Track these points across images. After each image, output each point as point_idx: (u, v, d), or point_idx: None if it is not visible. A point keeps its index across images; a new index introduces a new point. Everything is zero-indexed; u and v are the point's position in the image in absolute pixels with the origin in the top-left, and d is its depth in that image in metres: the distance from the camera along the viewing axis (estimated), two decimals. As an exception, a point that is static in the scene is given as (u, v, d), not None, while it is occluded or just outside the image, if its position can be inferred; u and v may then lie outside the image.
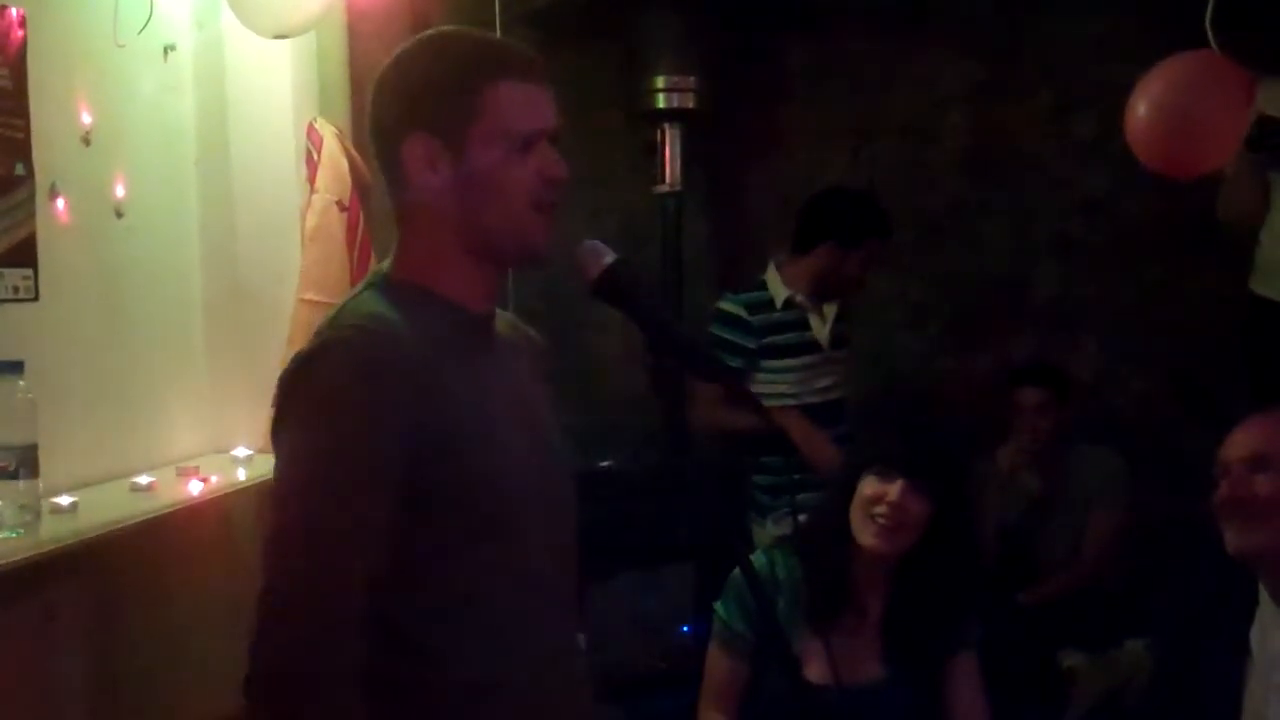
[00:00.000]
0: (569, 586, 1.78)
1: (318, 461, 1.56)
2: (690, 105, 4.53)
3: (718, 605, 2.85)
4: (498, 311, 1.83)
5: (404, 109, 1.70)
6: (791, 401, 4.02)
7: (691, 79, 4.52)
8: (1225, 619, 2.41)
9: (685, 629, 3.83)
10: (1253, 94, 3.27)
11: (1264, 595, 2.38)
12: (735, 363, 3.96)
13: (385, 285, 1.72)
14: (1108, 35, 4.67)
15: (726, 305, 4.11)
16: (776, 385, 4.04)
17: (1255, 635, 2.38)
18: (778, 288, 4.12)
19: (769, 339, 4.07)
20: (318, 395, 1.59)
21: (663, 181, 4.60)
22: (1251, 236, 3.68)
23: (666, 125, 4.56)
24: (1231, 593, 2.42)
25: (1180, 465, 4.07)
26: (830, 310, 4.18)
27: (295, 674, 1.51)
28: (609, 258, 1.73)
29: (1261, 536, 2.31)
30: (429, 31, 1.78)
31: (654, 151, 4.61)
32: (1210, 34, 3.02)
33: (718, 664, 2.83)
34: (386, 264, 1.76)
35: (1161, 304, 4.79)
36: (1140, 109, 3.11)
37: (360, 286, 1.75)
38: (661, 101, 4.52)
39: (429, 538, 1.62)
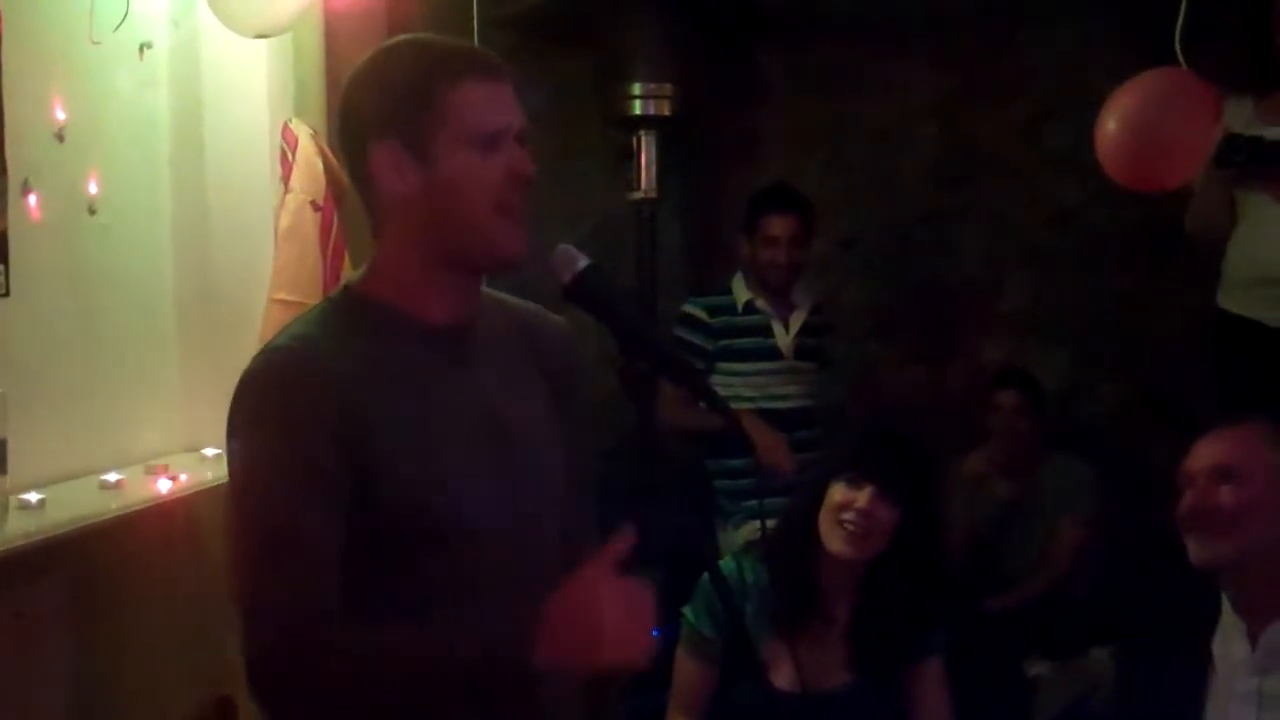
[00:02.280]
0: (543, 590, 1.72)
1: (255, 490, 1.62)
2: (666, 112, 4.55)
3: (686, 610, 2.86)
4: (513, 306, 1.85)
5: (368, 118, 1.70)
6: (748, 405, 4.05)
7: (667, 86, 4.54)
8: (1188, 628, 2.43)
9: (653, 633, 3.83)
10: (1221, 110, 3.31)
11: (1226, 605, 2.40)
12: (696, 362, 4.01)
13: (342, 299, 1.74)
14: (1080, 47, 4.71)
15: (689, 307, 4.21)
16: (734, 387, 4.08)
17: (1217, 644, 2.40)
18: (741, 292, 4.21)
19: (726, 342, 4.14)
20: (245, 414, 1.64)
21: (638, 188, 4.61)
22: (1219, 251, 3.71)
23: (642, 132, 4.58)
24: (1194, 602, 2.44)
25: (1147, 475, 4.12)
26: (797, 320, 4.22)
27: (281, 672, 1.57)
28: (582, 263, 1.73)
29: (1224, 547, 2.33)
30: (390, 40, 1.78)
31: (629, 158, 4.62)
32: (1179, 50, 3.05)
33: (685, 669, 2.84)
34: (356, 275, 1.76)
35: (1131, 315, 4.83)
36: (1110, 124, 3.14)
37: (323, 300, 1.79)
38: (637, 108, 4.54)
39: (367, 552, 1.63)
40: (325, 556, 1.59)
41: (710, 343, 4.15)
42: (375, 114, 1.69)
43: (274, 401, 1.63)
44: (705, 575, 2.75)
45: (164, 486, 2.75)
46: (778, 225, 4.16)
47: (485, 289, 1.83)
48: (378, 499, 1.62)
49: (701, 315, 4.18)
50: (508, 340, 1.82)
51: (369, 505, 1.62)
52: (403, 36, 1.79)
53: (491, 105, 1.68)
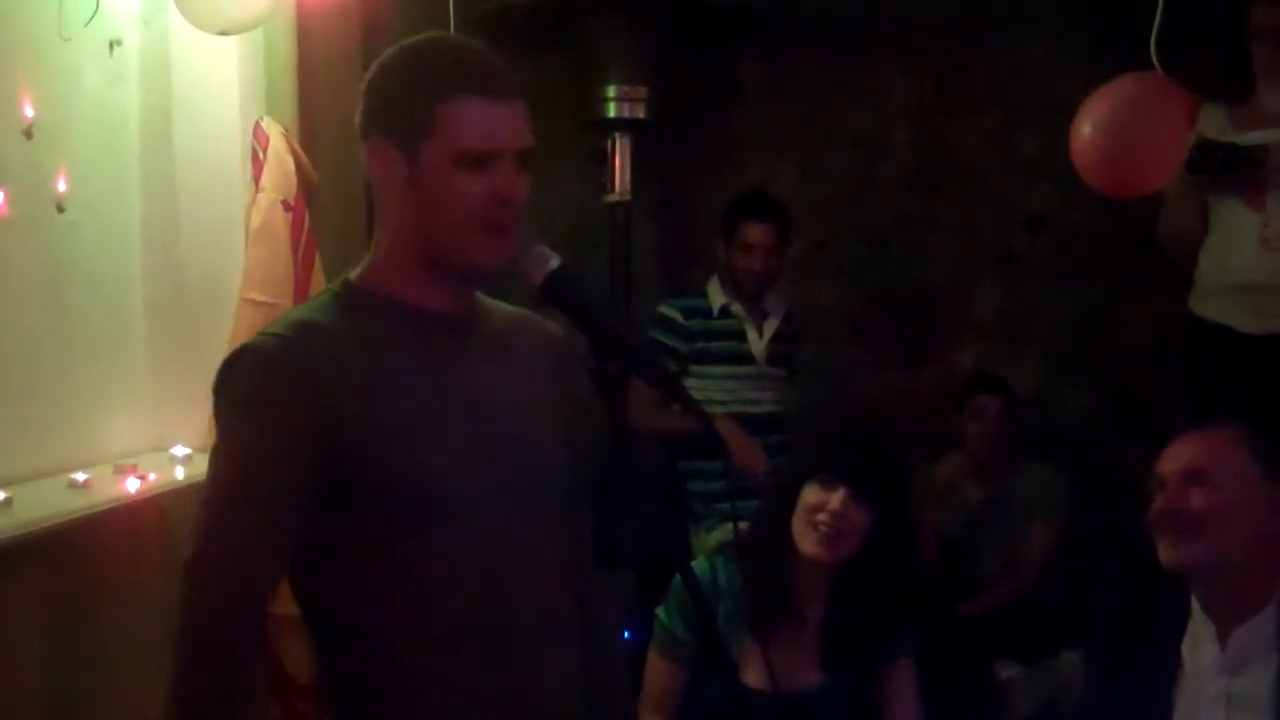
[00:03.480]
0: (537, 588, 1.78)
1: (227, 461, 1.68)
2: (641, 115, 4.54)
3: (659, 611, 2.86)
4: (510, 310, 1.88)
5: (368, 110, 1.75)
6: (720, 409, 4.08)
7: (642, 89, 4.54)
8: (1158, 631, 2.44)
9: (626, 634, 3.83)
10: (1194, 116, 3.32)
11: (1196, 607, 2.41)
12: (671, 365, 4.03)
13: (343, 290, 1.78)
14: (1053, 56, 4.73)
15: (664, 309, 4.23)
16: (707, 391, 4.10)
17: (1187, 647, 2.41)
18: (716, 296, 4.23)
19: (701, 344, 4.16)
20: (231, 398, 1.70)
21: (612, 190, 4.61)
22: (1191, 257, 3.73)
23: (617, 134, 4.57)
24: (1164, 605, 2.44)
25: (1118, 480, 4.14)
26: (770, 326, 4.25)
27: (192, 646, 1.65)
28: (554, 262, 1.75)
29: (1195, 549, 2.34)
30: (416, 37, 1.80)
31: (604, 160, 4.61)
32: (1154, 56, 3.06)
33: (657, 669, 2.84)
34: (356, 269, 1.81)
35: (1102, 321, 4.84)
36: (1085, 128, 3.14)
37: (323, 290, 1.84)
38: (612, 110, 4.53)
39: (354, 533, 1.69)
40: (271, 536, 1.67)
41: (685, 345, 4.17)
42: (375, 109, 1.74)
43: (256, 383, 1.68)
44: (679, 576, 2.75)
45: (133, 486, 2.73)
46: (755, 233, 4.17)
47: (483, 297, 1.86)
48: (366, 482, 1.67)
49: (677, 317, 4.21)
50: (506, 340, 1.85)
51: (358, 487, 1.67)
52: (429, 35, 1.82)
53: (483, 127, 1.69)
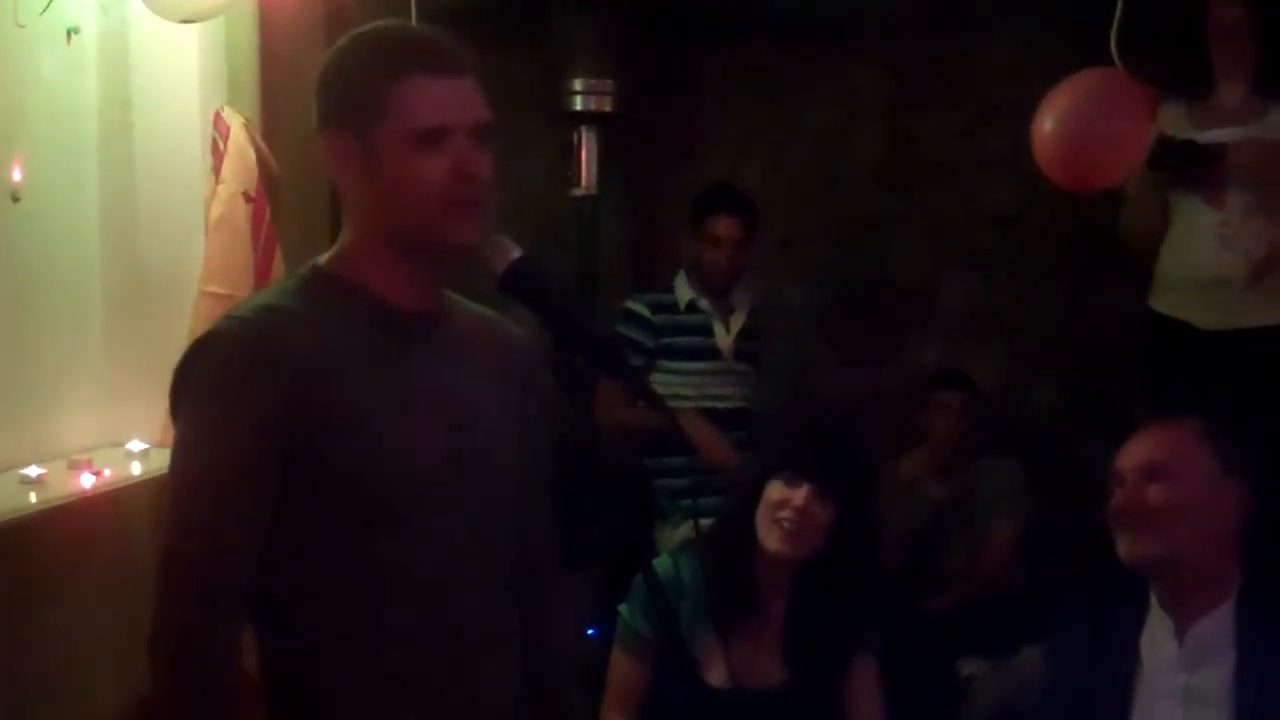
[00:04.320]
0: (488, 586, 1.78)
1: (196, 449, 1.65)
2: (607, 109, 4.53)
3: (622, 608, 2.85)
4: (477, 310, 1.86)
5: (323, 104, 1.73)
6: (687, 404, 4.08)
7: (609, 82, 4.52)
8: (1117, 626, 2.45)
9: (591, 632, 3.82)
10: (1154, 112, 3.33)
11: (1154, 603, 2.42)
12: (635, 361, 4.03)
13: (309, 276, 1.76)
14: (1019, 54, 4.74)
15: (632, 304, 4.23)
16: (673, 386, 4.10)
17: (1146, 642, 2.42)
18: (683, 291, 4.23)
19: (668, 339, 4.16)
20: (196, 385, 1.67)
21: (579, 184, 4.59)
22: (1152, 254, 3.74)
23: (583, 128, 4.56)
24: (1123, 600, 2.45)
25: (1080, 476, 4.15)
26: (737, 321, 4.25)
27: (176, 640, 1.62)
28: (515, 253, 1.74)
29: (1153, 545, 2.35)
30: (362, 27, 1.78)
31: (570, 154, 4.60)
32: (1115, 53, 3.07)
33: (621, 667, 2.83)
34: (325, 254, 1.79)
35: (1065, 317, 4.87)
36: (1046, 123, 3.16)
37: (287, 275, 1.81)
38: (579, 104, 4.52)
39: (313, 526, 1.67)
40: (247, 522, 1.64)
41: (651, 340, 4.17)
42: (328, 102, 1.73)
43: (223, 368, 1.66)
44: (641, 574, 2.75)
45: (87, 481, 2.70)
46: (722, 226, 4.18)
47: (453, 294, 1.85)
48: (328, 471, 1.65)
49: (644, 312, 4.21)
50: (473, 339, 1.83)
51: (319, 477, 1.65)
52: (375, 24, 1.80)
53: (434, 102, 1.67)
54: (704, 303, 4.23)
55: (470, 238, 1.71)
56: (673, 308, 4.22)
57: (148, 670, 1.63)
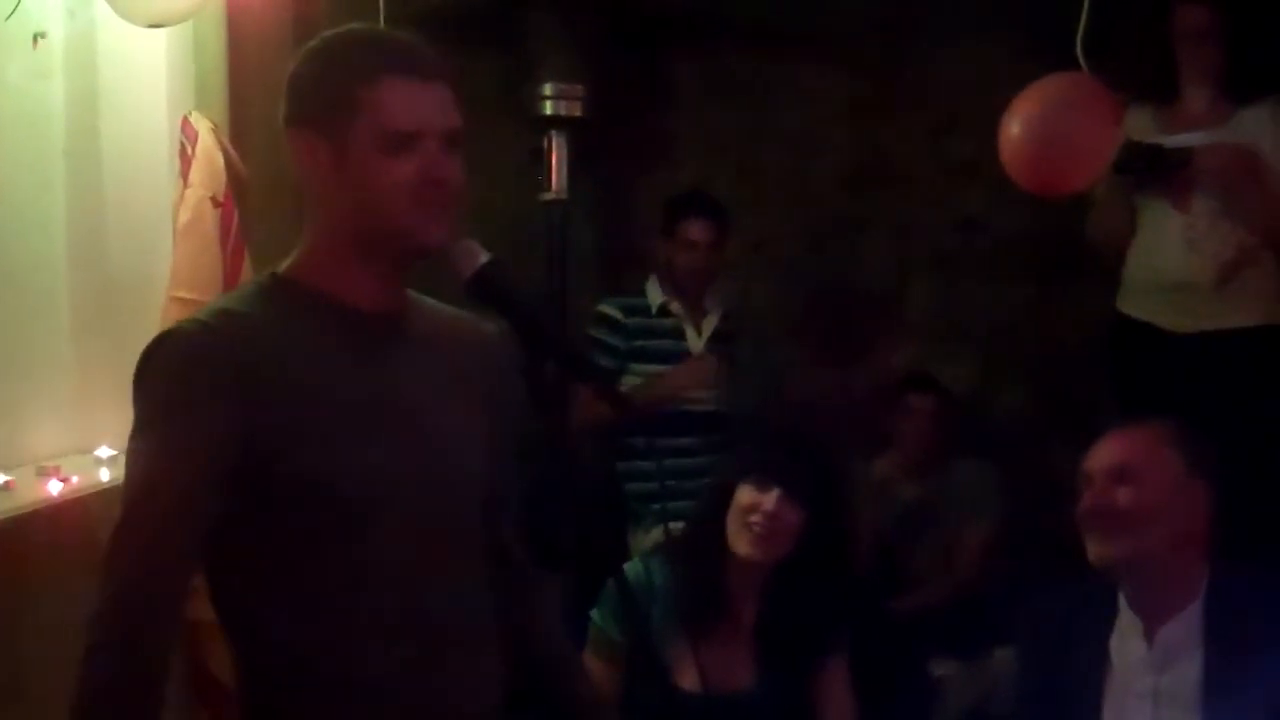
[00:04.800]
0: (458, 589, 1.78)
1: (145, 446, 1.66)
2: (577, 113, 4.52)
3: (593, 613, 2.85)
4: (444, 309, 1.87)
5: (292, 104, 1.73)
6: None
7: (579, 87, 4.52)
8: (1086, 628, 2.46)
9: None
10: (1121, 117, 3.35)
11: (1123, 604, 2.43)
12: (607, 363, 4.06)
13: (269, 282, 1.76)
14: (987, 59, 4.75)
15: (604, 307, 4.25)
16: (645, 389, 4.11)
17: (1115, 644, 2.43)
18: (655, 294, 4.25)
19: (640, 342, 4.18)
20: (148, 383, 1.68)
21: (549, 189, 4.58)
22: (1119, 257, 3.77)
23: (553, 132, 4.55)
24: (1093, 602, 2.47)
25: (1050, 478, 4.17)
26: (709, 324, 4.26)
27: (107, 635, 1.62)
28: (483, 257, 1.74)
29: (1121, 546, 2.37)
30: (336, 29, 1.79)
31: (540, 158, 4.59)
32: (1081, 58, 3.09)
33: (592, 671, 2.81)
34: (285, 261, 1.79)
35: (1034, 320, 4.89)
36: (1013, 128, 3.17)
37: (247, 282, 1.83)
38: (548, 108, 4.51)
39: (272, 532, 1.67)
40: (188, 521, 1.64)
41: (623, 342, 4.19)
42: (298, 99, 1.73)
43: (173, 370, 1.66)
44: (611, 578, 2.75)
45: (55, 488, 2.68)
46: (695, 229, 4.20)
47: (417, 294, 1.85)
48: (288, 476, 1.65)
49: (616, 315, 4.23)
50: (438, 341, 1.83)
51: (280, 482, 1.65)
52: (350, 26, 1.80)
53: (405, 106, 1.67)
54: (676, 306, 4.24)
55: (437, 241, 1.71)
56: (645, 311, 4.24)
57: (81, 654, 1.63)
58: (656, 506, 4.04)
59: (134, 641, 1.61)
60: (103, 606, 1.62)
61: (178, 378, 1.66)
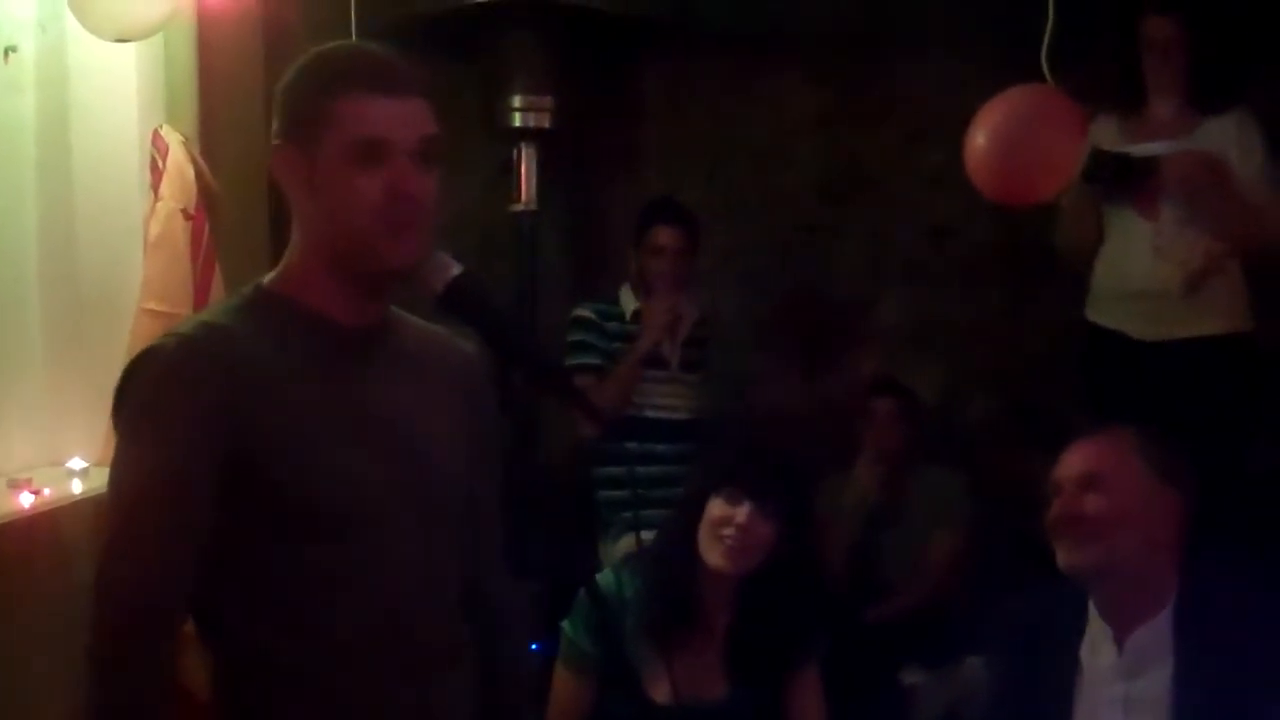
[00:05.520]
0: (440, 600, 1.79)
1: (133, 464, 1.66)
2: (546, 124, 4.53)
3: (565, 624, 2.85)
4: (423, 326, 1.87)
5: (276, 119, 1.76)
6: (632, 411, 4.11)
7: (548, 98, 4.52)
8: (1057, 635, 2.47)
9: (534, 647, 3.82)
10: (1086, 127, 3.38)
11: (1093, 611, 2.44)
12: (594, 361, 4.07)
13: (253, 295, 1.77)
14: (955, 68, 4.78)
15: (581, 311, 4.26)
16: None
17: (1085, 651, 2.44)
18: (629, 301, 4.27)
19: (617, 345, 4.17)
20: (133, 400, 1.68)
21: (518, 199, 4.59)
22: (1087, 266, 3.79)
23: (523, 144, 4.56)
24: (1063, 609, 2.48)
25: (1020, 486, 4.19)
26: (683, 331, 4.26)
27: (109, 653, 1.62)
28: (455, 269, 1.75)
29: (1091, 553, 2.38)
30: (322, 46, 1.80)
31: (510, 170, 4.60)
32: (1046, 68, 3.11)
33: (564, 683, 2.83)
34: (269, 274, 1.80)
35: (1004, 329, 4.91)
36: (978, 139, 3.19)
37: (231, 294, 1.84)
38: (518, 120, 4.51)
39: (253, 542, 1.68)
40: (182, 539, 1.64)
41: (606, 343, 4.20)
42: (279, 117, 1.75)
43: (160, 384, 1.67)
44: (583, 589, 2.76)
45: (26, 500, 2.67)
46: (665, 236, 4.22)
47: (397, 310, 1.85)
48: (270, 487, 1.66)
49: (595, 318, 4.24)
50: (419, 357, 1.83)
51: (262, 493, 1.66)
52: (335, 43, 1.83)
53: (374, 118, 1.68)
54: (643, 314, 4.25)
55: (405, 260, 1.71)
56: (620, 318, 4.27)
57: (83, 680, 1.63)
58: (628, 514, 4.05)
59: (138, 663, 1.61)
60: (101, 630, 1.62)
61: (161, 394, 1.66)
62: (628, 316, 4.25)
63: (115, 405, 1.71)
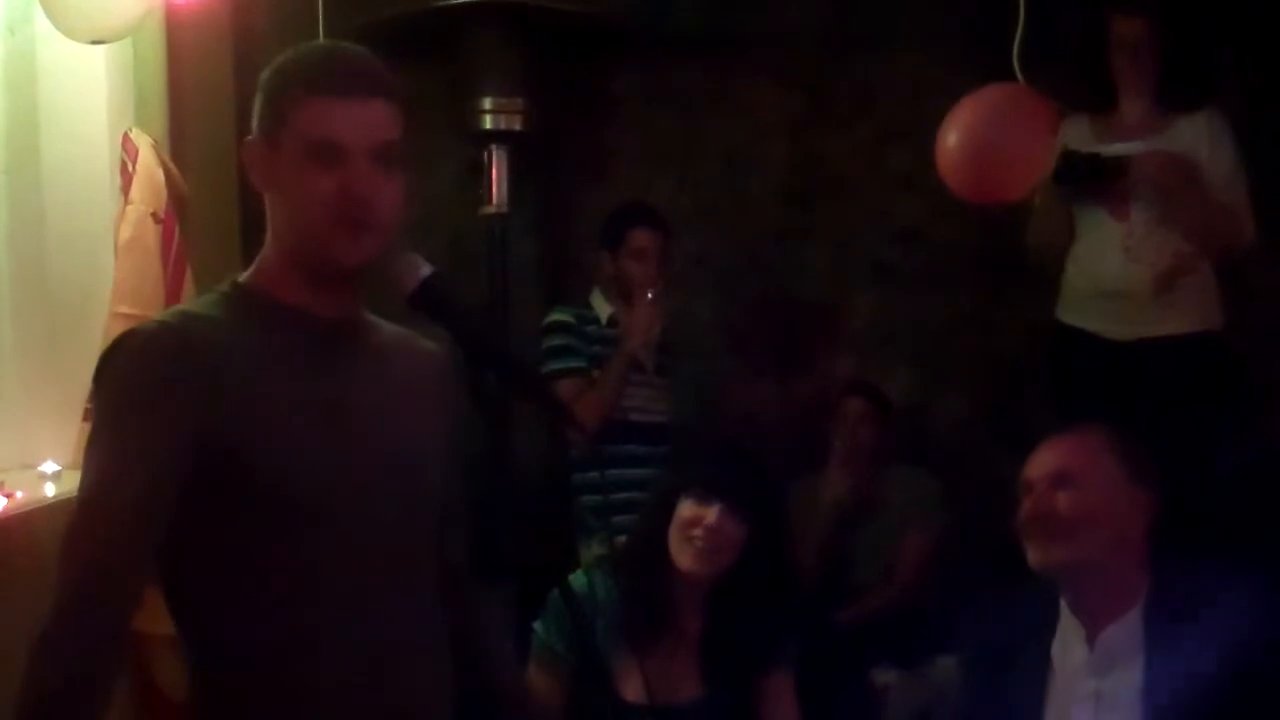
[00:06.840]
0: (410, 595, 1.80)
1: (104, 443, 1.66)
2: (517, 127, 4.52)
3: (537, 624, 2.85)
4: (391, 326, 1.88)
5: (251, 114, 1.79)
6: (616, 415, 4.09)
7: (519, 101, 4.51)
8: (1029, 633, 2.49)
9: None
10: (1057, 127, 3.40)
11: (1065, 609, 2.46)
12: (581, 363, 4.05)
13: (230, 290, 1.80)
14: (923, 69, 4.80)
15: (559, 315, 4.23)
16: None
17: (1057, 649, 2.46)
18: (602, 306, 4.25)
19: (596, 349, 4.16)
20: (110, 377, 1.70)
21: (489, 202, 4.58)
22: (1058, 266, 3.81)
23: (494, 146, 4.55)
24: (1034, 607, 2.49)
25: (990, 486, 4.22)
26: (656, 334, 4.25)
27: (63, 633, 1.60)
28: (425, 270, 1.76)
29: (1062, 552, 2.39)
30: (299, 45, 1.83)
31: (481, 172, 4.59)
32: (1017, 68, 3.13)
33: (536, 684, 2.83)
34: (245, 271, 1.82)
35: (973, 330, 4.92)
36: (949, 138, 3.20)
37: (208, 290, 1.85)
38: (488, 123, 4.50)
39: (225, 534, 1.68)
40: (146, 514, 1.64)
41: (585, 345, 4.18)
42: (254, 112, 1.78)
43: (136, 367, 1.68)
44: (555, 590, 2.76)
45: (-1, 504, 2.66)
46: (644, 238, 4.19)
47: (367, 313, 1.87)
48: (242, 474, 1.67)
49: (574, 321, 4.21)
50: (389, 353, 1.86)
51: (235, 481, 1.67)
52: (311, 43, 1.87)
53: (330, 119, 1.70)
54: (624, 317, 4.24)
55: (355, 258, 1.73)
56: (595, 321, 4.24)
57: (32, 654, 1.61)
58: (607, 518, 4.04)
59: (81, 645, 1.60)
60: (52, 608, 1.61)
61: (137, 376, 1.68)
62: (603, 320, 4.24)
63: (94, 383, 1.72)
